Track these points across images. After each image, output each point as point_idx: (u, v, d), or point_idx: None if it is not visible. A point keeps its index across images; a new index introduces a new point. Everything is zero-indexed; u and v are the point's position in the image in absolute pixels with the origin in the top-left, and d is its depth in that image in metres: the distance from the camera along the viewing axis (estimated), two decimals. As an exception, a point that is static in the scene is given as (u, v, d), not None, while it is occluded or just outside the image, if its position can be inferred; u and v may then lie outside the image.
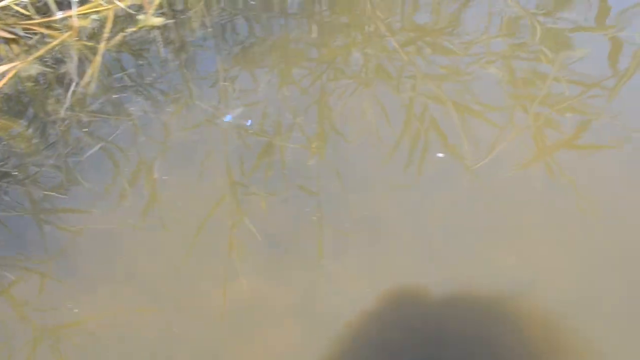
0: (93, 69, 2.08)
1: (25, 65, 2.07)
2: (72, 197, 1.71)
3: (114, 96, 2.01)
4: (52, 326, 1.47)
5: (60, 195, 1.72)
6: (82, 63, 2.11)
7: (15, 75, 2.05)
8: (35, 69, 2.08)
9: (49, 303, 1.52)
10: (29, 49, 2.17)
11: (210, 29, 2.21)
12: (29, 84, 2.06)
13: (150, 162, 1.76)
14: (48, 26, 2.23)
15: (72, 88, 2.04)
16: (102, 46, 2.14)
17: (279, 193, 1.66)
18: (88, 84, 2.04)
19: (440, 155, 1.76)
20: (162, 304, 1.46)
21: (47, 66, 2.10)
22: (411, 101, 1.93)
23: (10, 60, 2.10)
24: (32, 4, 2.26)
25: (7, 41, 2.21)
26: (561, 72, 2.00)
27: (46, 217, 1.70)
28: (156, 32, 2.20)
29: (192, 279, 1.50)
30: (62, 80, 2.08)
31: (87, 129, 1.90)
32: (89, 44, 2.17)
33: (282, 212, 1.63)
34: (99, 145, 1.83)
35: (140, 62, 2.12)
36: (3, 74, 2.03)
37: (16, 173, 1.80)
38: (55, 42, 2.14)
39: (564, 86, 1.93)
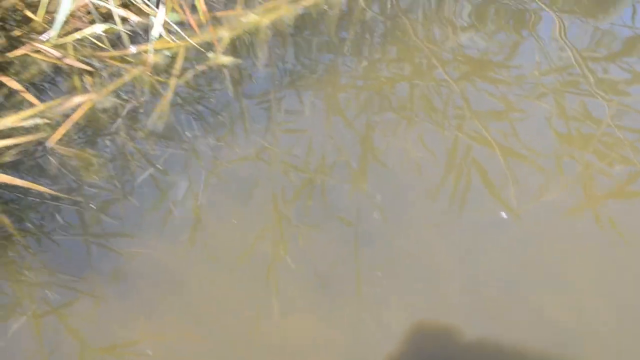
0: (163, 104, 2.15)
1: (100, 98, 2.14)
2: (126, 225, 1.77)
3: (181, 131, 2.07)
4: (101, 347, 1.51)
5: (114, 221, 1.78)
6: (154, 97, 2.18)
7: (90, 106, 2.12)
8: (109, 102, 2.15)
9: (99, 325, 1.56)
10: (103, 81, 2.24)
11: (271, 68, 2.27)
12: (103, 116, 2.13)
13: (205, 194, 1.82)
14: (121, 59, 2.30)
15: (143, 121, 2.11)
16: (172, 82, 2.20)
17: (321, 226, 1.69)
18: (158, 118, 2.10)
19: (489, 202, 1.77)
20: (207, 332, 1.50)
21: (120, 99, 2.17)
22: (457, 139, 1.96)
23: (85, 92, 2.17)
24: (106, 36, 2.34)
25: (82, 72, 2.29)
26: (616, 116, 2.00)
27: (101, 241, 1.76)
28: (225, 70, 2.27)
29: (234, 309, 1.54)
30: (134, 114, 2.14)
31: (153, 161, 1.95)
32: (160, 79, 2.23)
33: (325, 245, 1.66)
34: (160, 177, 1.89)
35: (208, 99, 2.18)
36: (79, 105, 2.10)
37: (80, 199, 1.85)
38: (129, 76, 2.21)
39: (617, 131, 1.94)
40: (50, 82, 2.32)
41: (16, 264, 1.77)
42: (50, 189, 1.90)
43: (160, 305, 1.62)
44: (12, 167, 2.00)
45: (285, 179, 1.91)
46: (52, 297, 1.69)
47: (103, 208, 1.86)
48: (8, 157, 2.02)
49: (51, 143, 2.03)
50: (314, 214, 1.80)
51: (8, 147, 2.04)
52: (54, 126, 2.10)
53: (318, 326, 1.59)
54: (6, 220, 1.85)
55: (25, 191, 1.94)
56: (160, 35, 2.26)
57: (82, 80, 2.30)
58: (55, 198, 1.90)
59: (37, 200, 1.91)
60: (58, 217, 1.86)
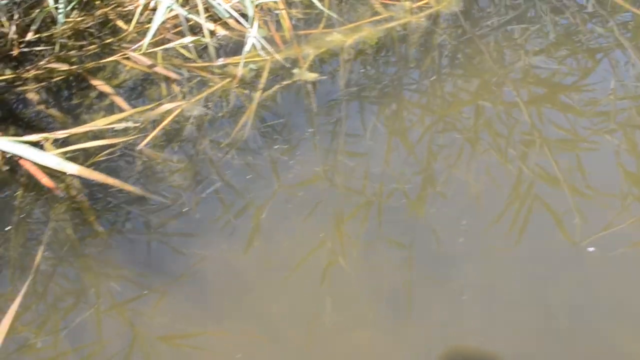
0: (248, 116, 2.19)
1: (188, 106, 2.20)
2: (199, 228, 1.84)
3: (261, 143, 2.11)
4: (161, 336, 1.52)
5: (188, 224, 1.86)
6: (239, 109, 2.23)
7: (179, 114, 2.18)
8: (197, 110, 2.21)
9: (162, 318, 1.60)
10: (190, 90, 2.31)
11: (351, 87, 2.30)
12: (190, 124, 2.19)
13: (273, 204, 1.88)
14: (208, 70, 2.37)
15: (226, 131, 2.15)
16: (257, 95, 2.25)
17: (377, 248, 1.72)
18: (242, 129, 2.14)
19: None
20: (262, 331, 1.50)
21: (207, 108, 2.23)
22: (521, 169, 1.94)
23: (174, 99, 2.24)
24: (194, 47, 2.42)
25: (169, 81, 2.36)
26: None
27: (175, 241, 1.83)
28: (309, 86, 2.30)
29: (294, 314, 1.59)
30: (218, 123, 2.19)
31: (232, 170, 2.00)
32: (245, 91, 2.29)
33: (383, 267, 1.65)
34: (235, 185, 1.93)
35: (292, 113, 2.22)
36: (169, 112, 2.17)
37: (163, 200, 1.90)
38: (216, 87, 2.27)
39: None
40: (138, 88, 2.39)
41: (94, 257, 1.82)
42: (136, 188, 1.95)
43: (222, 306, 1.65)
44: (103, 167, 2.06)
45: (350, 199, 1.92)
46: (121, 289, 1.72)
47: (181, 210, 1.90)
48: (100, 157, 2.08)
49: (141, 146, 2.09)
50: (371, 235, 1.81)
51: (100, 148, 2.11)
52: (142, 130, 2.16)
53: (375, 340, 1.59)
54: (92, 216, 1.91)
55: (113, 189, 1.99)
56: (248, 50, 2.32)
57: (168, 88, 2.37)
58: (139, 198, 1.95)
59: (123, 198, 1.96)
60: (139, 215, 1.91)
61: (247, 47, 2.26)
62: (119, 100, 2.29)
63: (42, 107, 2.34)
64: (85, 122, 2.20)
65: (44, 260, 1.81)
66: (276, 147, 2.08)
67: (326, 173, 1.99)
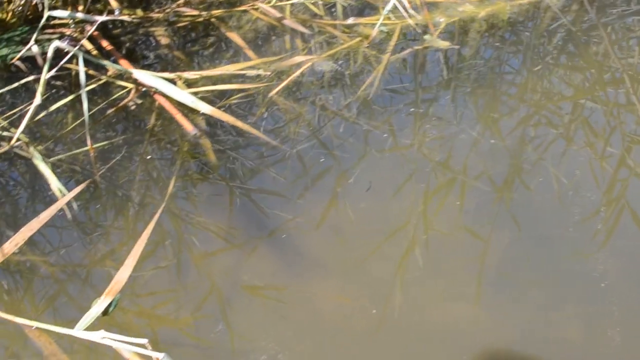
0: (375, 77, 2.17)
1: (319, 60, 2.20)
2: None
3: (383, 104, 2.08)
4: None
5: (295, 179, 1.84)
6: (367, 69, 2.21)
7: (309, 67, 2.17)
8: (326, 65, 2.20)
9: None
10: (318, 47, 2.30)
11: (477, 59, 2.24)
12: (318, 78, 2.18)
13: (373, 172, 1.84)
14: (336, 28, 2.35)
15: (352, 89, 2.13)
16: (386, 57, 2.22)
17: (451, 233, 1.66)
18: (368, 88, 2.12)
19: None
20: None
21: (336, 65, 2.22)
22: (617, 170, 1.84)
23: (301, 53, 2.23)
24: (323, 4, 2.40)
25: (295, 34, 2.35)
26: None
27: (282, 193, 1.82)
28: (440, 54, 2.26)
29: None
30: (346, 81, 2.18)
31: (354, 130, 1.99)
32: (374, 52, 2.26)
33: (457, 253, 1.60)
34: (349, 148, 1.91)
35: (419, 79, 2.18)
36: (299, 64, 2.16)
37: (285, 149, 1.93)
38: (346, 45, 2.25)
39: None
40: (265, 39, 2.40)
41: (212, 197, 1.84)
42: (263, 134, 1.96)
43: (316, 262, 1.65)
44: (232, 110, 2.08)
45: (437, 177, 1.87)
46: (224, 236, 1.74)
47: (297, 163, 1.91)
48: (229, 101, 2.11)
49: (272, 94, 2.10)
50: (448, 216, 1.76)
51: (232, 92, 2.13)
52: (271, 79, 2.17)
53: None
54: (212, 155, 1.93)
55: (238, 134, 2.01)
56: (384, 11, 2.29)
57: (292, 42, 2.37)
58: (262, 144, 1.96)
59: (246, 144, 1.97)
60: (259, 162, 1.92)
61: (388, 7, 2.23)
62: (247, 49, 2.30)
63: (170, 48, 2.38)
64: (210, 67, 2.22)
65: (172, 194, 1.85)
66: (399, 111, 2.05)
67: (440, 144, 1.95)
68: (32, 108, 1.86)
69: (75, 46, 1.91)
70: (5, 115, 2.07)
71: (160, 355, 1.29)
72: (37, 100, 1.84)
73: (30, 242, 1.72)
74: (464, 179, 1.83)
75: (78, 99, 2.10)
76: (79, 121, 2.04)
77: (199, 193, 1.85)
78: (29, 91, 2.19)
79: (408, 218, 1.74)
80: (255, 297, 1.61)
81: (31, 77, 2.10)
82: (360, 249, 1.67)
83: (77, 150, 1.96)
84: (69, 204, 1.79)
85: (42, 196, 1.87)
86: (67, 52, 1.93)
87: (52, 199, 1.80)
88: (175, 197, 1.84)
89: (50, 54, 1.81)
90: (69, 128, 2.03)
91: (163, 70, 2.18)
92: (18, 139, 1.93)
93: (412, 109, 2.08)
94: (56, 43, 1.82)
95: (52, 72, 1.84)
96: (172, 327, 1.56)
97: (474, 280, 1.60)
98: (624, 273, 1.60)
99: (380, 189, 1.82)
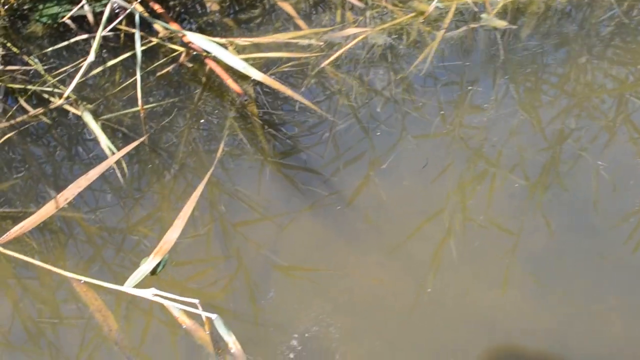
0: (429, 53, 2.12)
1: (373, 33, 2.15)
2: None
3: (433, 81, 2.03)
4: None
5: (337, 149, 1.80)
6: (421, 45, 2.16)
7: (362, 39, 2.13)
8: (380, 39, 2.15)
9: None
10: (371, 20, 2.25)
11: (533, 41, 2.17)
12: (371, 51, 2.14)
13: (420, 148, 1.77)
14: (390, 3, 2.30)
15: (406, 65, 2.09)
16: (441, 34, 2.16)
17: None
18: (421, 64, 2.07)
19: None
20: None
21: (390, 39, 2.17)
22: None
23: (354, 26, 2.19)
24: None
25: (346, 7, 2.31)
26: None
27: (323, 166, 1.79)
28: (496, 34, 2.20)
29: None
30: (399, 56, 2.13)
31: (399, 105, 1.94)
32: (429, 28, 2.20)
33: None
34: (397, 121, 1.86)
35: (473, 58, 2.12)
36: (353, 36, 2.12)
37: (331, 119, 1.89)
38: (401, 19, 2.20)
39: None
40: (316, 10, 2.36)
41: (293, 165, 1.82)
42: (312, 103, 1.93)
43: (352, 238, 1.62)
44: (282, 79, 2.05)
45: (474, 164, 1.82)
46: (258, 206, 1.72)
47: (340, 132, 1.87)
48: (280, 69, 2.08)
49: (324, 64, 2.06)
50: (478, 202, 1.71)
51: (282, 61, 2.10)
52: (322, 50, 2.13)
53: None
54: (259, 123, 1.91)
55: (286, 103, 1.99)
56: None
57: (343, 15, 2.32)
58: (311, 114, 1.93)
59: (294, 113, 1.94)
60: (305, 131, 1.89)
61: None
62: (298, 19, 2.26)
63: (220, 14, 2.35)
64: (261, 35, 2.19)
65: (221, 158, 1.83)
66: (449, 90, 2.00)
67: (486, 126, 1.90)
68: (85, 65, 1.85)
69: (128, 7, 1.89)
70: (55, 73, 2.07)
71: (213, 315, 1.28)
72: (91, 57, 1.83)
73: (79, 198, 1.72)
74: (508, 165, 1.78)
75: (127, 61, 2.09)
76: (129, 81, 2.03)
77: (244, 162, 1.82)
78: (77, 52, 2.19)
79: (448, 201, 1.70)
80: (295, 271, 1.59)
81: (85, 35, 2.09)
82: (400, 229, 1.64)
83: (127, 111, 1.96)
84: (118, 163, 1.78)
85: (91, 154, 1.87)
86: (118, 14, 1.92)
87: (101, 158, 1.80)
88: (221, 163, 1.82)
89: (107, 11, 1.79)
90: (119, 88, 2.03)
91: (213, 36, 2.15)
92: (68, 96, 1.92)
93: (465, 88, 2.02)
94: None
95: (108, 29, 1.82)
96: (217, 295, 1.55)
97: (510, 268, 1.56)
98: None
99: (423, 169, 1.78)
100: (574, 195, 1.70)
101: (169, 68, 2.07)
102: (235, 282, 1.57)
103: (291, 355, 1.43)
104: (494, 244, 1.60)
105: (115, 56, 2.10)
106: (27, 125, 1.93)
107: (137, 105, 1.90)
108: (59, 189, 1.68)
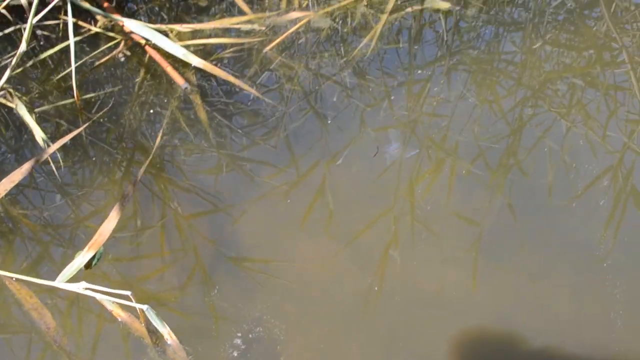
0: (372, 36, 2.11)
1: (316, 17, 2.13)
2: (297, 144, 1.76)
3: (378, 64, 2.02)
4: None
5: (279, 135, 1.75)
6: (364, 28, 2.14)
7: (305, 23, 2.10)
8: (326, 22, 2.13)
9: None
10: (314, 4, 2.23)
11: (484, 23, 2.18)
12: (314, 35, 2.12)
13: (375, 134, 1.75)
14: (334, -14, 2.28)
15: (349, 47, 2.07)
16: (384, 17, 2.15)
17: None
18: (364, 48, 2.06)
19: None
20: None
21: (334, 22, 2.15)
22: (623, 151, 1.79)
23: (302, 9, 2.16)
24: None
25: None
26: None
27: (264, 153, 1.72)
28: (439, 16, 2.19)
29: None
30: (342, 39, 2.11)
31: (346, 88, 1.93)
32: (372, 11, 2.19)
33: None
34: (339, 107, 1.85)
35: (417, 40, 2.12)
36: (296, 20, 2.10)
37: (275, 105, 1.85)
38: (345, 2, 2.19)
39: None
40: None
41: (200, 155, 1.79)
42: (253, 89, 1.91)
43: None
44: (226, 64, 2.02)
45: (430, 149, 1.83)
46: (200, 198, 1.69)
47: (283, 121, 1.85)
48: (221, 55, 2.04)
49: (267, 49, 2.04)
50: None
51: (225, 47, 2.06)
52: (265, 35, 2.10)
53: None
54: (203, 112, 1.88)
55: (228, 88, 1.96)
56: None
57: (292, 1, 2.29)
58: (252, 100, 1.90)
59: (236, 98, 1.92)
60: (246, 117, 1.86)
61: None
62: (241, 3, 2.22)
63: (161, 1, 2.30)
64: (204, 21, 2.15)
65: (160, 146, 1.80)
66: (393, 73, 2.00)
67: (434, 108, 1.91)
68: (17, 55, 1.79)
69: (62, -8, 1.83)
70: (-11, 64, 2.00)
71: (144, 307, 1.25)
72: (23, 47, 1.77)
73: (12, 195, 1.67)
74: (464, 142, 1.79)
75: (65, 52, 2.03)
76: (65, 72, 1.97)
77: (185, 151, 1.79)
78: (15, 43, 2.11)
79: (397, 187, 1.70)
80: (241, 261, 1.57)
81: (18, 26, 2.02)
82: (352, 215, 1.63)
83: (64, 102, 1.90)
84: (54, 156, 1.73)
85: (25, 148, 1.81)
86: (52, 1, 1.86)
87: (35, 152, 1.74)
88: (161, 153, 1.79)
89: (35, -2, 1.73)
90: (56, 79, 1.96)
91: (154, 23, 2.10)
92: (2, 88, 1.86)
93: (408, 72, 2.02)
94: (42, -13, 1.74)
95: (39, 17, 1.76)
96: (154, 287, 1.52)
97: (468, 248, 1.57)
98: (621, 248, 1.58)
99: (371, 154, 1.78)
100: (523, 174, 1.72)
101: (108, 57, 2.02)
102: (181, 275, 1.55)
103: (234, 345, 1.41)
104: (449, 230, 1.61)
105: (53, 47, 2.04)
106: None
107: (74, 97, 1.84)
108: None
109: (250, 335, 1.42)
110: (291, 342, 1.40)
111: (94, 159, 1.78)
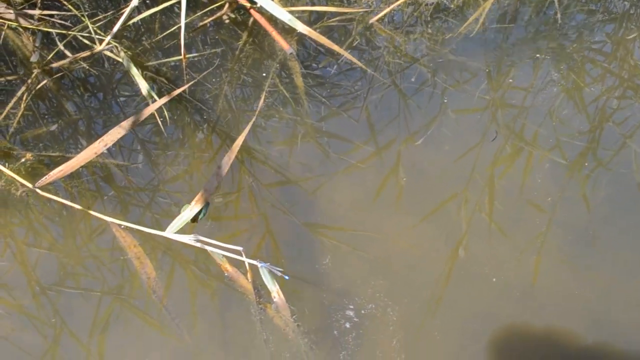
0: (481, 13, 2.03)
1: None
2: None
3: (487, 45, 1.94)
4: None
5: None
6: (474, 4, 2.06)
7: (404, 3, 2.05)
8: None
9: None
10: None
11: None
12: (422, 9, 2.06)
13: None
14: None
15: (457, 24, 2.00)
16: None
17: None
18: (471, 25, 1.99)
19: None
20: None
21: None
22: None
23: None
24: None
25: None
26: None
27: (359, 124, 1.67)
28: (553, -4, 2.09)
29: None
30: (450, 14, 2.04)
31: (450, 66, 1.85)
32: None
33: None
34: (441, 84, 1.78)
35: (531, 19, 2.03)
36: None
37: (382, 79, 1.79)
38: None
39: None
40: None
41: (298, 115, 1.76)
42: (356, 59, 1.86)
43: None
44: (329, 34, 1.98)
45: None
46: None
47: (390, 93, 1.80)
48: (325, 24, 2.00)
49: (373, 20, 1.99)
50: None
51: (330, 15, 2.03)
52: (369, 6, 2.05)
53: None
54: (299, 79, 1.85)
55: (330, 58, 1.92)
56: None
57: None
58: (355, 70, 1.86)
59: (340, 70, 1.87)
60: (346, 89, 1.83)
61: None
62: (346, -25, 2.17)
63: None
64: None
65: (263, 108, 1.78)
66: (500, 51, 1.91)
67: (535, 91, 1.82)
68: (128, 10, 1.80)
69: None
70: (95, 19, 2.02)
71: (259, 263, 1.23)
72: (135, 1, 1.77)
73: (118, 147, 1.68)
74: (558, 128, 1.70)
75: (170, 10, 2.03)
76: (171, 30, 1.98)
77: (282, 118, 1.77)
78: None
79: (489, 168, 1.63)
80: (331, 231, 1.54)
81: (127, -20, 2.04)
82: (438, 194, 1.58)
83: (169, 59, 1.91)
84: (159, 112, 1.74)
85: (131, 102, 1.83)
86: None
87: (139, 106, 1.75)
88: (260, 119, 1.77)
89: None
90: (160, 37, 1.97)
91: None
92: (109, 42, 1.88)
93: (515, 51, 1.93)
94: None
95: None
96: (253, 250, 1.51)
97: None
98: None
99: (464, 134, 1.71)
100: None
101: (213, 18, 2.01)
102: (269, 240, 1.53)
103: (332, 311, 1.39)
104: (530, 215, 1.54)
105: (159, 4, 2.05)
106: (65, 72, 1.90)
107: (178, 55, 1.84)
108: (98, 135, 1.64)
109: (344, 302, 1.39)
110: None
111: (195, 118, 1.77)
